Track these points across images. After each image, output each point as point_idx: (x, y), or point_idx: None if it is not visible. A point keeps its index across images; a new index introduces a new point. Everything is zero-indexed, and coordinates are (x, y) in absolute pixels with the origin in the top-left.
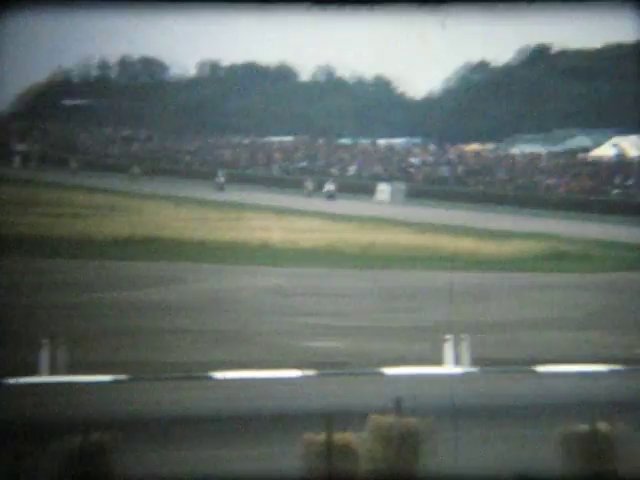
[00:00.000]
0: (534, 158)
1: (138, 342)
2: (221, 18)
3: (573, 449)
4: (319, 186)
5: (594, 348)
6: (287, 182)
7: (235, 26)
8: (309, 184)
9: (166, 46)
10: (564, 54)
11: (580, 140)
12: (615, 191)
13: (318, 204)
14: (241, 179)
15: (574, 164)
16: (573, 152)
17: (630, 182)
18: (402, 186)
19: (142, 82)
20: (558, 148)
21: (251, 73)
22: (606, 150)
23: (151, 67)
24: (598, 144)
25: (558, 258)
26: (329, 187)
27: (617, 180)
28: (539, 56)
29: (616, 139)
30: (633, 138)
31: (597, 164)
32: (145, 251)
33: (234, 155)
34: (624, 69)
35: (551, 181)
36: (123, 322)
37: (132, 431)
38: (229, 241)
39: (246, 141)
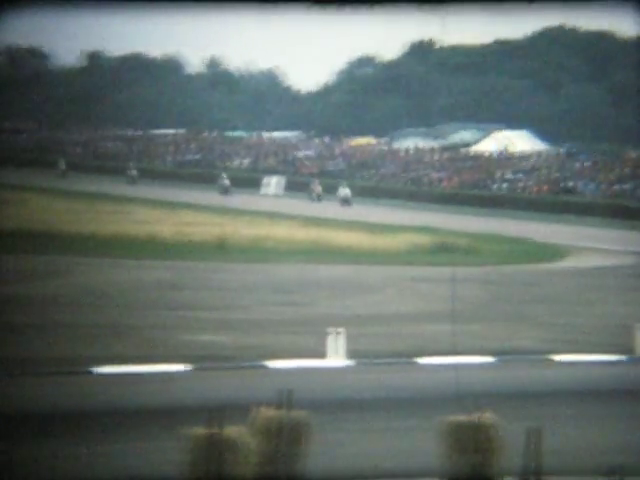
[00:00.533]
0: (423, 152)
1: (17, 337)
2: (107, 10)
3: (454, 440)
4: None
5: (478, 340)
6: (181, 176)
7: (123, 18)
8: (317, 187)
9: (58, 37)
10: (452, 49)
11: (465, 134)
12: (497, 185)
13: (219, 199)
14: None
15: (459, 158)
16: (459, 146)
17: (513, 176)
18: (282, 180)
19: (27, 72)
20: (445, 142)
21: (139, 65)
22: (490, 144)
23: (36, 57)
24: (483, 138)
25: (445, 251)
26: (344, 191)
27: (499, 174)
28: (428, 51)
29: (500, 133)
30: (516, 132)
31: (481, 158)
32: (32, 244)
33: (125, 148)
34: (510, 65)
35: (438, 175)
36: (1, 317)
37: (6, 428)
38: (118, 234)
39: (137, 133)
